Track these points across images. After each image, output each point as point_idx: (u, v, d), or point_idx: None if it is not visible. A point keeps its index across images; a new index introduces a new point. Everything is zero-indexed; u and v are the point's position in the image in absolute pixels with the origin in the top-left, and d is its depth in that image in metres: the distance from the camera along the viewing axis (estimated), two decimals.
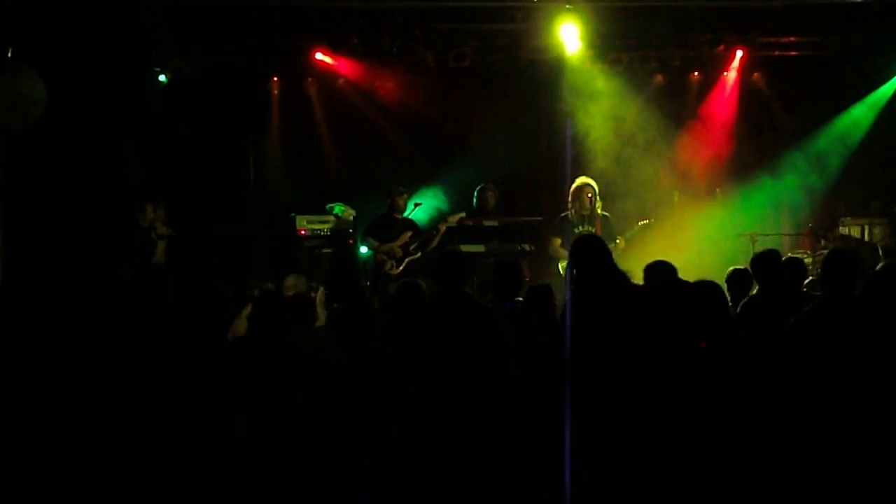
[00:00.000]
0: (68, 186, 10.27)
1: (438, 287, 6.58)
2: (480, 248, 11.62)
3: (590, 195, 11.44)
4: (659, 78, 13.58)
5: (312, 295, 9.59)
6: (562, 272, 11.43)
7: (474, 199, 12.13)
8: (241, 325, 8.20)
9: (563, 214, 11.68)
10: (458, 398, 6.13)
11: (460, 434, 6.09)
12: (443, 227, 11.79)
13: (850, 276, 5.85)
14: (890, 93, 13.74)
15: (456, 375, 6.16)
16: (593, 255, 6.25)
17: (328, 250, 11.97)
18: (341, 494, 6.22)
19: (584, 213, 11.48)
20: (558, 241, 11.58)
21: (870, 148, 13.62)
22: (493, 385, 6.20)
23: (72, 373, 5.61)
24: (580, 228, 11.46)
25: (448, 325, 6.30)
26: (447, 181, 13.14)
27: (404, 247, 11.74)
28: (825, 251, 11.68)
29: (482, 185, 12.15)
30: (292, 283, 9.84)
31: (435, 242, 11.75)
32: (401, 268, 11.68)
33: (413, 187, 12.42)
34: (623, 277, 6.29)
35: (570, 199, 11.60)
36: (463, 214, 11.88)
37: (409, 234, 11.79)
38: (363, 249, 11.97)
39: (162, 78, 12.41)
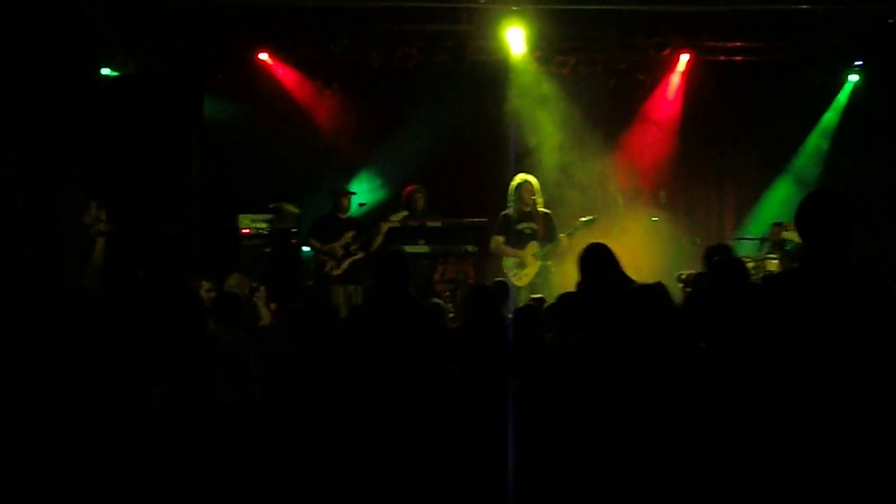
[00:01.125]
0: (7, 181, 10.15)
1: (380, 286, 6.51)
2: (424, 249, 11.61)
3: (529, 191, 11.43)
4: (604, 81, 13.62)
5: (254, 297, 9.53)
6: (506, 270, 11.46)
7: (404, 201, 12.08)
8: None
9: (504, 212, 11.65)
10: (399, 399, 6.10)
11: (401, 437, 6.06)
12: (384, 227, 11.72)
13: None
14: (841, 108, 14.00)
15: (397, 375, 6.12)
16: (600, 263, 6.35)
17: (269, 249, 11.93)
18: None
19: (525, 209, 11.44)
20: (501, 238, 11.54)
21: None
22: (434, 385, 6.18)
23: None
24: (522, 225, 11.46)
25: (389, 324, 6.26)
26: (390, 180, 13.12)
27: (346, 247, 11.66)
28: (770, 256, 11.85)
29: (412, 187, 12.10)
30: (235, 282, 9.81)
31: (378, 242, 11.66)
32: (342, 268, 11.59)
33: (355, 187, 12.40)
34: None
35: (510, 196, 11.58)
36: (405, 213, 11.85)
37: (352, 233, 11.72)
38: (305, 249, 11.92)
39: (105, 71, 12.28)
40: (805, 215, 4.52)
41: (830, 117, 14.14)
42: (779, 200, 13.79)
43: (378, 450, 6.04)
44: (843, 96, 14.04)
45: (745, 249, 12.67)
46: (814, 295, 4.45)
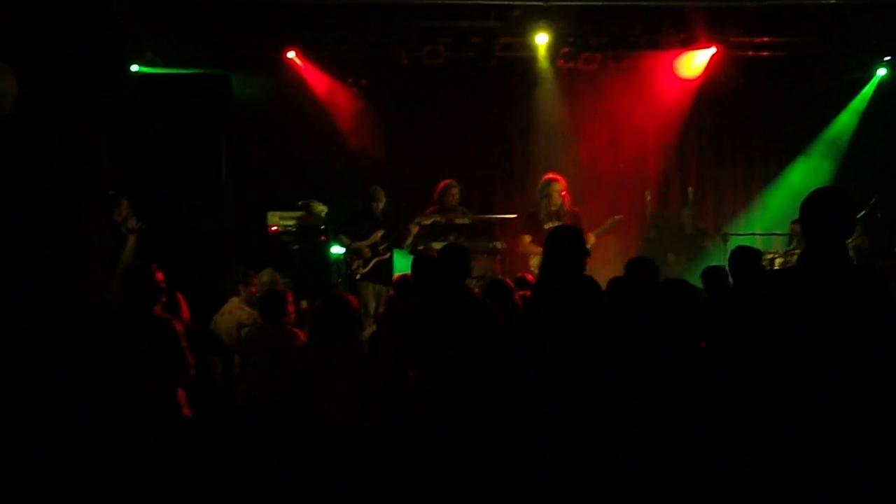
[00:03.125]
0: (38, 180, 10.22)
1: (440, 280, 6.45)
2: None
3: (558, 191, 11.44)
4: (632, 77, 13.59)
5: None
6: (533, 268, 11.48)
7: (438, 196, 12.09)
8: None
9: (531, 212, 11.68)
10: (452, 394, 6.09)
11: (453, 429, 6.06)
12: (414, 228, 11.71)
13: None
14: (868, 96, 13.87)
15: (451, 371, 6.11)
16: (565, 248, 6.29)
17: (297, 247, 11.98)
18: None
19: (553, 209, 11.47)
20: (528, 238, 11.58)
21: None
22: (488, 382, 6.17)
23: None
24: (549, 224, 11.47)
25: (446, 318, 6.22)
26: (418, 178, 13.12)
27: (373, 246, 11.67)
28: (795, 251, 11.81)
29: (447, 182, 12.13)
30: (268, 278, 9.89)
31: (408, 242, 11.69)
32: (368, 268, 11.60)
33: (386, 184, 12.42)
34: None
35: (538, 195, 11.60)
36: (436, 217, 11.84)
37: (381, 233, 11.74)
38: (335, 249, 11.94)
39: (135, 69, 12.36)
40: (804, 212, 4.53)
41: (856, 108, 14.05)
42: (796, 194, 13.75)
43: (430, 443, 6.05)
44: (868, 90, 13.95)
45: (772, 245, 12.68)
46: (810, 292, 4.45)
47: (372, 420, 6.40)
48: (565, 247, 6.26)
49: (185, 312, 7.08)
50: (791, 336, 4.44)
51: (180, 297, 7.04)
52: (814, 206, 4.51)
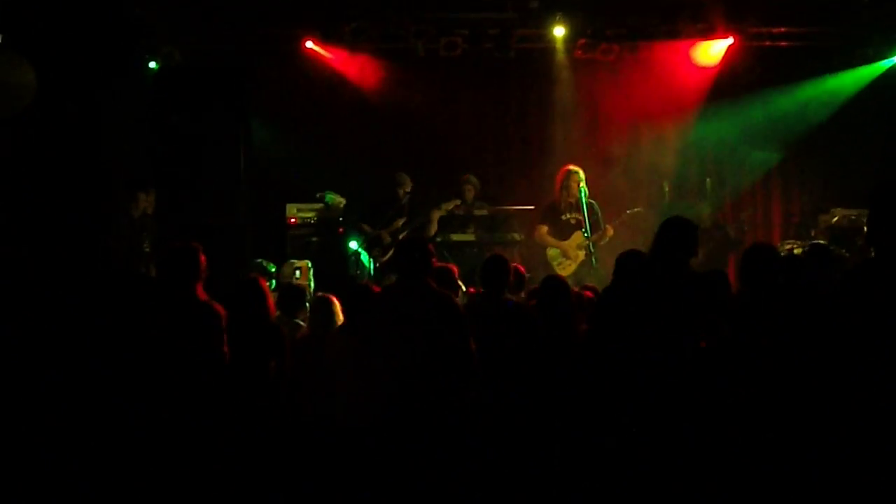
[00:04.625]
0: (58, 174, 10.24)
1: (401, 275, 6.56)
2: (471, 237, 11.64)
3: (577, 182, 11.42)
4: (650, 68, 13.56)
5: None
6: (550, 260, 11.50)
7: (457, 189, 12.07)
8: None
9: (549, 202, 11.68)
10: (418, 387, 6.14)
11: (420, 424, 6.10)
12: (435, 215, 11.72)
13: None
14: (873, 75, 13.73)
15: (415, 364, 6.16)
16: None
17: (316, 239, 11.99)
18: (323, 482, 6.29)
19: (572, 200, 11.46)
20: (545, 228, 11.60)
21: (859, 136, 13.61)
22: (452, 374, 6.19)
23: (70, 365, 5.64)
24: (567, 216, 11.48)
25: (406, 312, 6.29)
26: (437, 169, 13.10)
27: (394, 234, 11.70)
28: (817, 241, 11.76)
29: (462, 175, 12.11)
30: (290, 271, 9.91)
31: (432, 230, 11.67)
32: (387, 256, 11.60)
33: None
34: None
35: (557, 186, 11.59)
36: (457, 201, 11.85)
37: (402, 220, 11.75)
38: (352, 244, 11.89)
39: (152, 65, 12.37)
40: (879, 206, 4.51)
41: (864, 74, 13.85)
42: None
43: (391, 439, 6.09)
44: (881, 66, 13.81)
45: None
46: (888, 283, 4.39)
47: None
48: (674, 236, 6.25)
49: (272, 307, 6.93)
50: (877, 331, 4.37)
51: (264, 284, 6.86)
52: (889, 200, 4.47)
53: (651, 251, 6.34)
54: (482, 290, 7.02)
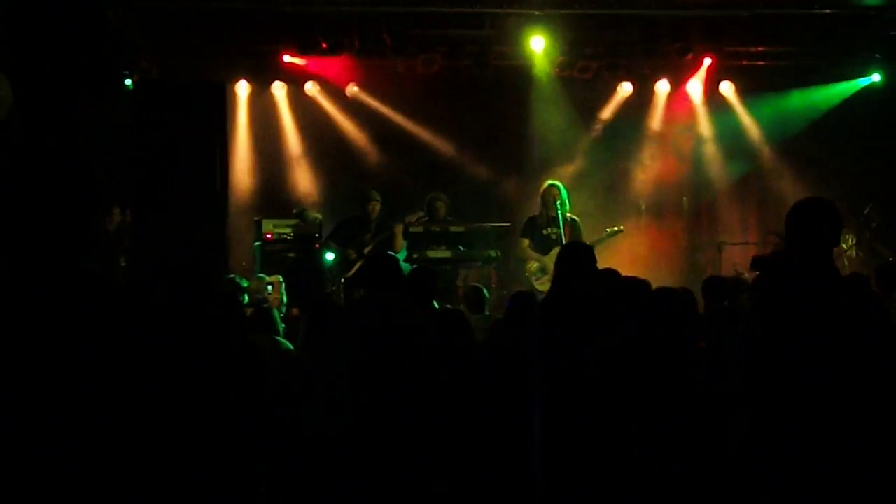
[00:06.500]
0: (32, 189, 10.18)
1: (369, 292, 6.52)
2: (447, 254, 11.58)
3: (555, 197, 11.42)
4: (627, 85, 13.64)
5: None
6: (528, 274, 11.50)
7: (425, 208, 12.02)
8: None
9: (531, 216, 11.70)
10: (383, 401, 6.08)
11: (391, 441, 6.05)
12: (398, 229, 11.71)
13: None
14: (851, 91, 13.81)
15: (381, 378, 6.10)
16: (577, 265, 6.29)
17: (292, 254, 11.96)
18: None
19: (551, 214, 11.46)
20: (526, 242, 11.63)
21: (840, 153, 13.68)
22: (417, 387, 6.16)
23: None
24: (547, 230, 11.48)
25: (372, 330, 6.20)
26: (415, 186, 13.09)
27: (359, 249, 11.67)
28: None
29: (432, 193, 12.04)
30: (259, 287, 9.85)
31: (398, 245, 11.66)
32: (352, 271, 11.59)
33: (380, 192, 12.38)
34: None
35: (539, 200, 11.62)
36: (421, 214, 11.82)
37: (367, 235, 11.74)
38: (328, 256, 11.90)
39: (128, 82, 12.33)
40: (790, 222, 4.61)
41: (839, 91, 13.96)
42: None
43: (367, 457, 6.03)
44: (856, 84, 13.88)
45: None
46: (797, 300, 4.51)
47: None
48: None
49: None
50: (778, 342, 4.49)
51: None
52: (800, 216, 4.58)
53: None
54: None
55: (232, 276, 10.09)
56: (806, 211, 4.61)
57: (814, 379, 4.39)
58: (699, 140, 13.91)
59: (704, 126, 13.89)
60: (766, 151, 14.01)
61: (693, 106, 13.84)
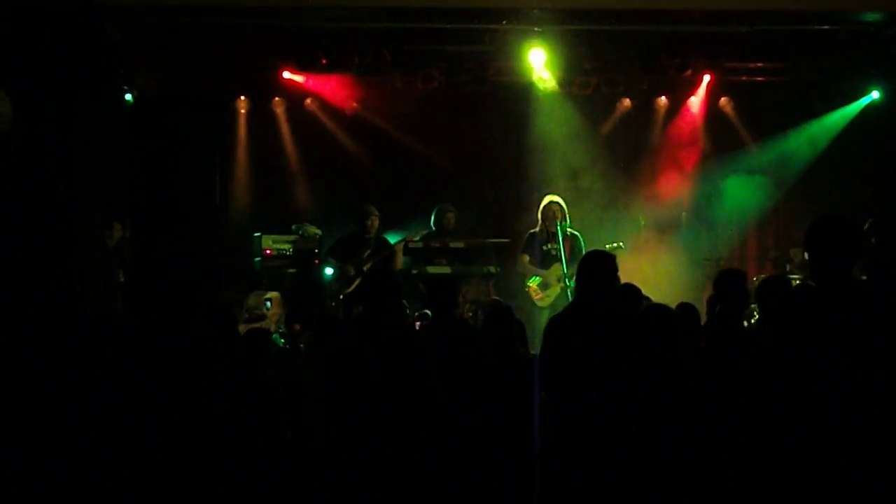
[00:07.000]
0: (32, 204, 10.18)
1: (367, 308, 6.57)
2: (446, 270, 11.60)
3: (555, 212, 11.46)
4: (626, 102, 13.66)
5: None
6: (528, 290, 11.50)
7: (433, 220, 12.11)
8: None
9: (531, 231, 11.71)
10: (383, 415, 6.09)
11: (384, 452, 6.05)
12: (399, 247, 11.75)
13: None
14: (851, 115, 13.82)
15: (380, 392, 6.11)
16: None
17: (292, 270, 11.97)
18: None
19: (551, 230, 11.49)
20: (526, 257, 11.68)
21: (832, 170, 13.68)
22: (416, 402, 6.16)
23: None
24: (547, 246, 11.50)
25: (363, 343, 6.25)
26: (413, 201, 13.09)
27: (358, 266, 11.68)
28: (793, 277, 11.77)
29: (441, 205, 12.14)
30: (257, 303, 9.84)
31: (398, 262, 11.69)
32: (350, 288, 11.61)
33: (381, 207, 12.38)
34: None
35: (539, 216, 11.64)
36: (423, 232, 11.85)
37: (367, 252, 11.75)
38: (328, 271, 11.91)
39: (128, 97, 12.34)
40: (812, 238, 4.78)
41: (840, 117, 13.94)
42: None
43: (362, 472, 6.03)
44: (856, 106, 13.88)
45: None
46: (827, 310, 4.61)
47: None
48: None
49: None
50: (803, 352, 4.59)
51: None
52: (821, 232, 4.75)
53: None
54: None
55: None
56: (826, 228, 4.76)
57: (838, 388, 4.49)
58: (699, 156, 13.87)
59: (704, 142, 13.85)
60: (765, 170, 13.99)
61: (693, 122, 13.80)
